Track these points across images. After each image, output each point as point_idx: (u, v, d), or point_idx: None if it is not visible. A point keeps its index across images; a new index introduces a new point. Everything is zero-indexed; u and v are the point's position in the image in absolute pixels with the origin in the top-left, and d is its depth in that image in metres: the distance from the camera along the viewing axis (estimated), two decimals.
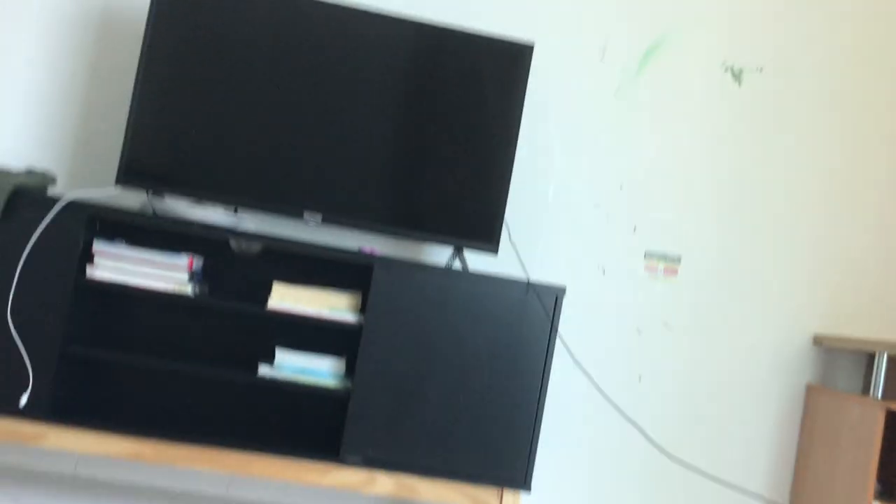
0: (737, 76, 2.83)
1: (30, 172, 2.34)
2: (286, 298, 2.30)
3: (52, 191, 2.51)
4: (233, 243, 2.53)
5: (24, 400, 2.15)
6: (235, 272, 2.54)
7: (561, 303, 2.33)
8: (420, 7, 2.71)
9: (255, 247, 2.53)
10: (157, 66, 2.38)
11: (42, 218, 2.18)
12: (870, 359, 2.82)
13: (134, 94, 2.36)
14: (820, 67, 2.86)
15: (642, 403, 2.76)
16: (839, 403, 2.60)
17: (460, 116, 2.46)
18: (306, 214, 2.40)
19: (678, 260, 2.79)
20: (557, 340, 2.69)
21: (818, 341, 2.79)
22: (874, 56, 2.87)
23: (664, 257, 2.79)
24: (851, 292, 2.84)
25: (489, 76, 2.47)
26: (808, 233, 2.83)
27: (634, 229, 2.78)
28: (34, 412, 2.17)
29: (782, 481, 2.79)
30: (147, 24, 2.37)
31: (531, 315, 2.32)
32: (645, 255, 2.78)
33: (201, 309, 2.53)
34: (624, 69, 2.80)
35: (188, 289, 2.26)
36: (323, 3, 2.43)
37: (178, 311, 2.52)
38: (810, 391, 2.78)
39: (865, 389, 2.81)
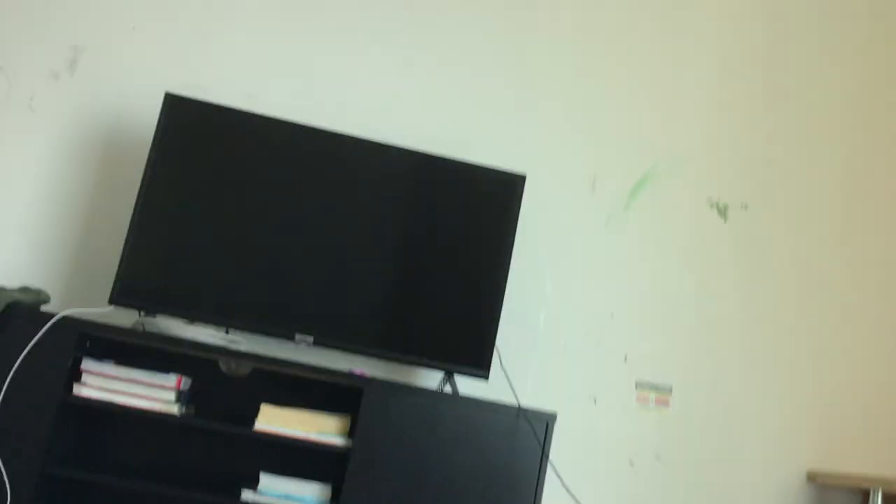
0: (722, 212, 2.91)
1: (24, 289, 2.35)
2: (274, 421, 2.28)
3: (46, 308, 2.51)
4: (222, 364, 2.51)
5: None
6: (224, 393, 2.51)
7: (552, 429, 2.30)
8: (416, 137, 2.80)
9: (245, 368, 2.52)
10: (156, 190, 2.44)
11: (34, 333, 2.18)
12: (865, 495, 2.76)
13: (133, 216, 2.41)
14: (803, 203, 2.94)
15: None
16: None
17: (453, 243, 2.51)
18: (297, 336, 2.41)
19: (669, 390, 2.78)
20: (549, 468, 2.64)
21: (812, 478, 2.75)
22: (860, 190, 2.96)
23: (655, 388, 2.78)
24: (844, 427, 2.82)
25: (482, 205, 2.54)
26: (798, 366, 2.84)
27: (625, 358, 2.79)
28: None
29: None
30: (151, 152, 2.45)
31: (522, 441, 2.29)
32: (636, 385, 2.78)
33: (187, 429, 2.49)
34: (614, 201, 2.88)
35: (175, 408, 2.24)
36: (318, 131, 2.52)
37: (163, 431, 2.48)
38: None
39: None
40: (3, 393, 2.14)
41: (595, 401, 2.75)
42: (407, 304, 2.47)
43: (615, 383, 2.77)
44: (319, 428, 2.28)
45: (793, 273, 2.90)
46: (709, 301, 2.85)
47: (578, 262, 2.83)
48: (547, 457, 2.28)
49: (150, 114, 2.74)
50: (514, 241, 2.54)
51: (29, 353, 2.17)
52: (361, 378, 2.27)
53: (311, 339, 2.41)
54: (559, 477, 2.67)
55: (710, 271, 2.87)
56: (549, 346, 2.77)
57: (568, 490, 2.66)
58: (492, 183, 2.55)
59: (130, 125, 2.73)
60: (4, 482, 2.11)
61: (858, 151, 2.99)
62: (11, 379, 2.15)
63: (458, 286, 2.49)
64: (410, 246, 2.50)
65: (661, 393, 2.78)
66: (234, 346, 2.41)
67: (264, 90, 2.79)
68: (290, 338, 2.40)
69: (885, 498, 2.67)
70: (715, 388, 2.80)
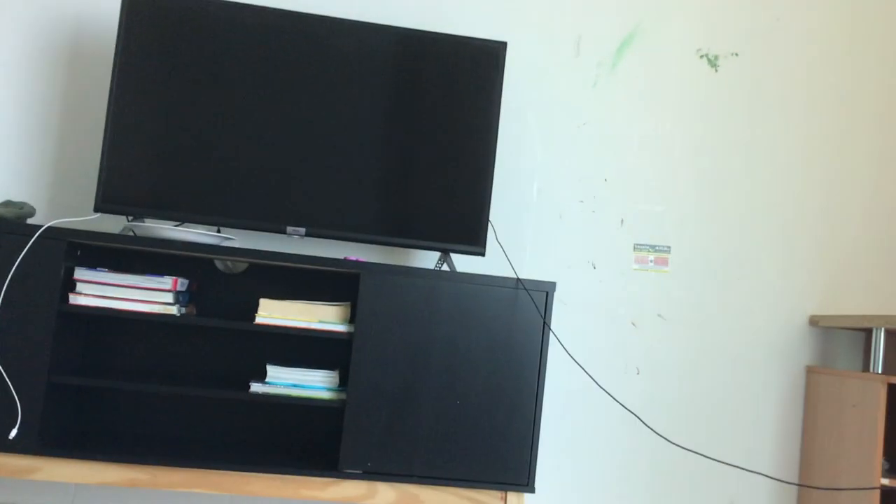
0: (712, 62, 2.82)
1: (6, 203, 2.31)
2: (274, 313, 2.27)
3: (32, 221, 2.48)
4: (219, 263, 2.50)
5: (13, 433, 2.11)
6: (222, 292, 2.51)
7: (552, 298, 2.30)
8: (394, 15, 2.70)
9: (241, 265, 2.50)
10: (128, 91, 2.36)
11: (22, 248, 2.15)
12: (867, 335, 2.79)
13: (107, 119, 2.34)
14: (795, 47, 2.85)
15: (642, 396, 2.73)
16: (840, 382, 2.58)
17: (438, 120, 2.45)
18: (289, 229, 2.38)
19: (668, 250, 2.77)
20: (552, 337, 2.67)
21: (814, 321, 2.77)
22: (851, 31, 2.87)
23: (653, 248, 2.77)
24: (844, 271, 2.82)
25: (464, 77, 2.46)
26: (796, 213, 2.82)
27: (622, 222, 2.76)
28: (25, 445, 2.12)
29: (790, 463, 2.76)
30: (116, 49, 2.36)
31: (523, 313, 2.29)
32: (634, 248, 2.76)
33: (189, 329, 2.50)
34: (600, 63, 2.79)
35: (174, 309, 2.23)
36: (294, 14, 2.42)
37: (165, 333, 2.48)
38: (810, 372, 2.75)
39: (865, 367, 2.78)
40: None
41: (594, 266, 2.74)
42: (396, 186, 2.43)
43: (613, 247, 2.76)
44: (320, 317, 2.28)
45: (787, 118, 2.84)
46: (703, 156, 2.80)
47: (568, 129, 2.77)
48: (549, 326, 2.29)
49: (112, 12, 2.63)
50: (499, 111, 2.48)
51: (19, 266, 2.15)
52: (357, 263, 2.26)
53: (303, 230, 2.38)
54: (562, 345, 2.69)
55: (704, 125, 2.81)
56: (545, 215, 2.74)
57: (572, 357, 2.68)
58: (472, 53, 2.47)
59: (93, 26, 2.63)
60: (13, 396, 2.12)
61: None
62: (5, 294, 2.14)
63: (447, 163, 2.44)
64: (395, 126, 2.44)
65: (660, 253, 2.77)
66: (227, 244, 2.39)
67: None
68: (282, 231, 2.37)
69: (889, 335, 2.69)
70: (713, 243, 2.79)
